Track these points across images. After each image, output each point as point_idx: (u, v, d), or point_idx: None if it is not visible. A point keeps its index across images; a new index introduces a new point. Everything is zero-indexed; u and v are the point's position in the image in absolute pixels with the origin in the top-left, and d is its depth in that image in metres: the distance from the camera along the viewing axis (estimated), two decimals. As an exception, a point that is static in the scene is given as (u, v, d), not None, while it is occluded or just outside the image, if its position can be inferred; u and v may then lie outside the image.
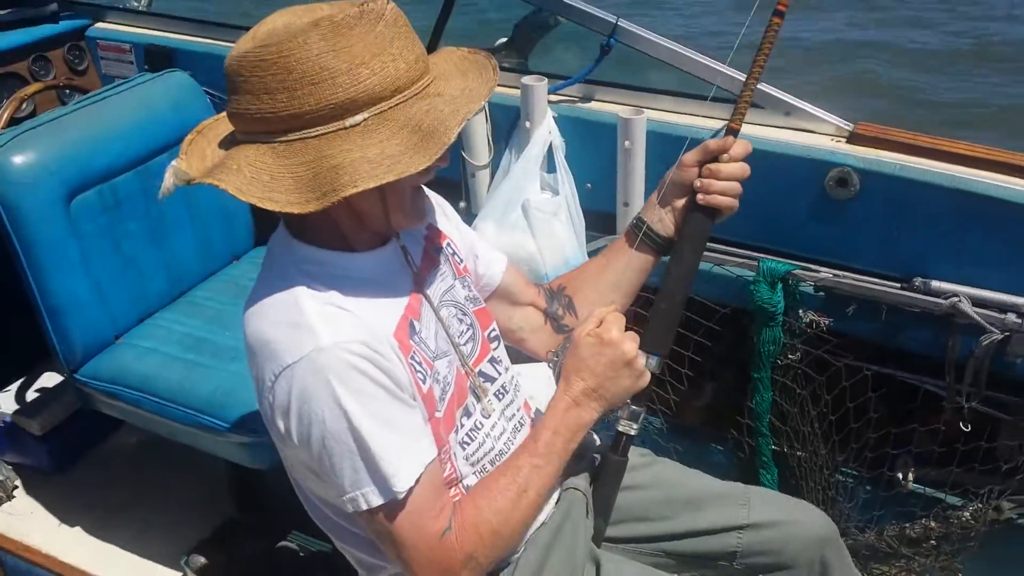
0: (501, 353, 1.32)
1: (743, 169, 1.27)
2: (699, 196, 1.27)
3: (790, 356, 1.86)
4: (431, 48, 2.04)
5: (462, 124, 0.98)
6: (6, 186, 1.75)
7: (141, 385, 1.85)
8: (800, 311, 1.81)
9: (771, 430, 1.96)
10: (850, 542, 1.85)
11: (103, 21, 2.67)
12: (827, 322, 1.80)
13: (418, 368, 1.10)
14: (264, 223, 2.38)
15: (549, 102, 1.91)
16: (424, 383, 1.11)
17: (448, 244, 1.30)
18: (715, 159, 1.26)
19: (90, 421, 2.15)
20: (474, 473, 1.20)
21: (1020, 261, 1.63)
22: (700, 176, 1.27)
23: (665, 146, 1.85)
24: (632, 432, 1.29)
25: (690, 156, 1.29)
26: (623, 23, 1.85)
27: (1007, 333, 1.64)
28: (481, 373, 1.25)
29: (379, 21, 0.95)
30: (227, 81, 0.99)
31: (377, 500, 1.03)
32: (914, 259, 1.72)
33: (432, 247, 1.26)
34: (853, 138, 1.77)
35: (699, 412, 2.19)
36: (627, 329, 1.18)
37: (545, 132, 1.88)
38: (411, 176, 0.98)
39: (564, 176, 1.90)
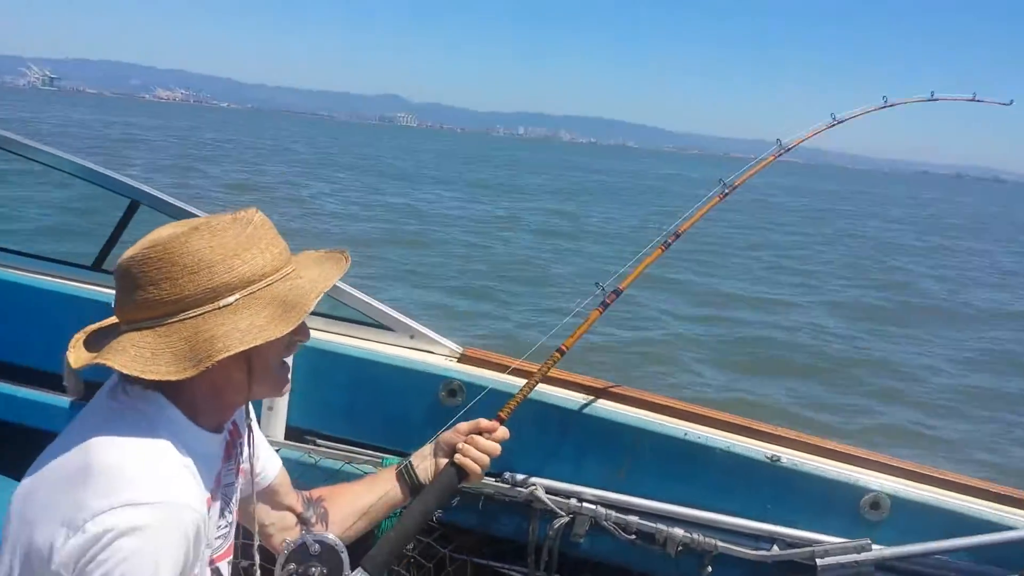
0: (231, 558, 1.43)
1: (496, 449, 1.66)
2: (456, 455, 1.63)
3: (406, 546, 2.11)
4: (99, 261, 2.23)
5: (319, 297, 1.22)
6: None
7: None
8: None
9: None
10: None
11: None
12: (437, 513, 2.10)
13: (205, 548, 1.20)
14: None
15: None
16: (202, 563, 1.20)
17: (240, 442, 1.42)
18: (480, 434, 1.65)
19: None
20: None
21: (581, 458, 2.10)
22: (464, 442, 1.64)
23: None
24: None
25: (464, 425, 1.67)
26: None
27: (572, 516, 2.06)
28: (216, 570, 1.33)
29: (249, 224, 1.19)
30: (116, 281, 1.16)
31: None
32: (506, 457, 2.12)
33: (231, 443, 1.38)
34: (462, 358, 2.22)
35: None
36: None
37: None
38: (276, 347, 1.19)
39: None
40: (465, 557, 2.16)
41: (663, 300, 12.86)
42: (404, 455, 2.12)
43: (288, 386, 1.35)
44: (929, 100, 2.52)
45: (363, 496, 1.63)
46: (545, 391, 2.13)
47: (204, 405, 1.23)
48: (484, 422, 1.68)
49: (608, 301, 1.90)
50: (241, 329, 1.14)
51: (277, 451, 2.16)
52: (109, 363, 1.13)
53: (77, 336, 1.25)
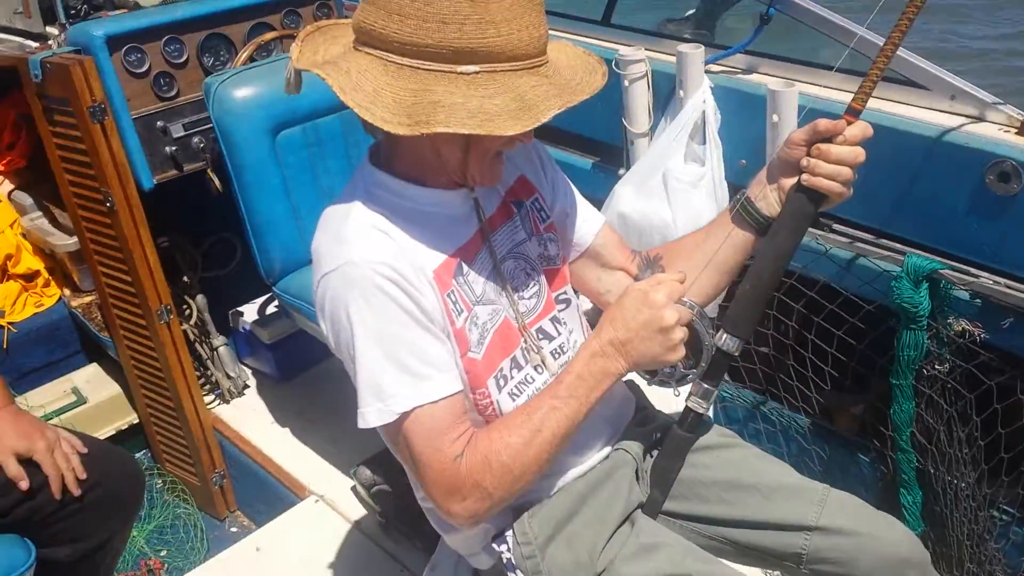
0: (568, 316, 1.34)
1: (855, 154, 1.17)
2: (804, 177, 1.20)
3: (937, 367, 1.67)
4: (606, 16, 2.10)
5: (558, 111, 1.03)
6: (225, 115, 2.05)
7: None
8: (951, 318, 1.62)
9: (916, 447, 1.78)
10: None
11: None
12: (981, 333, 1.60)
13: (453, 305, 1.16)
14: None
15: (708, 72, 1.86)
16: (457, 321, 1.17)
17: (535, 199, 1.33)
18: (828, 140, 1.18)
19: (310, 338, 2.34)
20: None
21: None
22: (808, 156, 1.19)
23: None
24: (701, 410, 1.28)
25: (799, 134, 1.21)
26: (783, -8, 1.76)
27: None
28: (540, 330, 1.28)
29: None
30: None
31: (389, 414, 1.10)
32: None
33: (513, 199, 1.30)
34: None
35: (848, 418, 2.04)
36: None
37: (699, 102, 1.83)
38: (498, 138, 1.04)
39: (713, 149, 1.85)
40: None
41: None
42: (938, 254, 1.65)
43: (498, 180, 1.18)
44: None
45: (702, 245, 1.31)
46: None
47: (430, 167, 1.15)
48: (822, 123, 1.17)
49: None
50: (469, 109, 0.99)
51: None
52: (328, 80, 1.05)
53: (308, 29, 1.16)
